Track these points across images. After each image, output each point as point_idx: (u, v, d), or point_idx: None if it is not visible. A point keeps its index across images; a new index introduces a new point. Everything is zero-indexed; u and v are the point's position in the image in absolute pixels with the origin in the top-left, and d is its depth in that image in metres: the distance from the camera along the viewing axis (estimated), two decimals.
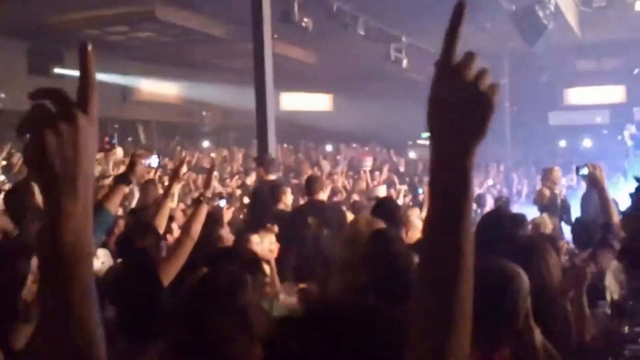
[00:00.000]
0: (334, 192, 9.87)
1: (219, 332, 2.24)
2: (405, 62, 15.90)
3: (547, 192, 8.92)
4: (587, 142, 23.03)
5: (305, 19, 12.81)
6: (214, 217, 5.00)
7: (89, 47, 1.14)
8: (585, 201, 8.56)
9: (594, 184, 5.10)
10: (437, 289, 1.21)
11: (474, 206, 7.10)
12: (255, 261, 3.31)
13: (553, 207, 8.57)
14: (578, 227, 5.72)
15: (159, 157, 8.48)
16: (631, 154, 15.43)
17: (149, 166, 7.03)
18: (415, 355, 1.19)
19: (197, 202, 4.16)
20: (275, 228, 5.71)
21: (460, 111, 1.14)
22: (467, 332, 1.22)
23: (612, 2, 15.19)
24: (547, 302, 3.17)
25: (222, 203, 6.89)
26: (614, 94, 21.29)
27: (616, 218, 4.92)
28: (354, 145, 20.76)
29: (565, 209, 8.74)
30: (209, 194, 4.27)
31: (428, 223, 1.21)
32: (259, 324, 2.32)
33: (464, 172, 1.15)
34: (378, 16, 14.51)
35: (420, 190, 11.59)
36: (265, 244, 5.17)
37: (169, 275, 3.59)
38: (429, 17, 14.21)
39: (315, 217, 6.47)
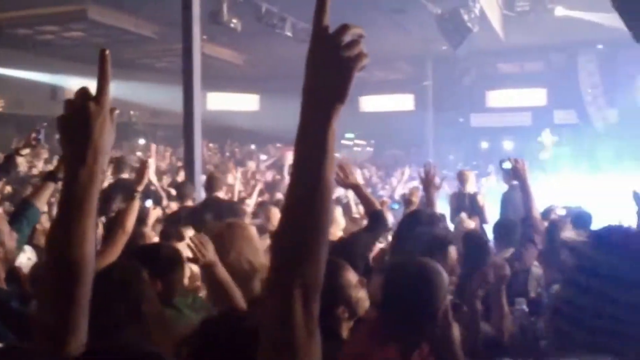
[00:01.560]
0: (261, 192, 9.83)
1: (111, 320, 2.49)
2: None
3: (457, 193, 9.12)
4: (508, 144, 23.69)
5: (234, 20, 12.78)
6: (138, 216, 4.97)
7: (107, 52, 1.59)
8: (506, 201, 8.78)
9: (517, 177, 5.18)
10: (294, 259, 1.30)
11: (402, 205, 7.23)
12: (171, 259, 3.33)
13: (463, 207, 8.69)
14: (499, 226, 5.83)
15: None
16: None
17: None
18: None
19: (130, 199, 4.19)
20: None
21: (324, 75, 1.26)
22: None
23: (534, 7, 15.65)
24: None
25: (148, 203, 6.79)
26: (535, 96, 21.88)
27: (537, 213, 5.05)
28: (278, 145, 20.77)
29: (477, 209, 8.90)
30: (140, 189, 4.27)
31: (289, 183, 1.32)
32: (153, 315, 2.66)
33: (323, 134, 1.27)
34: (306, 18, 14.56)
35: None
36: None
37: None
38: (355, 16, 14.38)
39: (213, 214, 6.47)
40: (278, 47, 16.48)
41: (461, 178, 9.41)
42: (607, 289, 1.61)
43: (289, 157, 13.19)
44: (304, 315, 1.28)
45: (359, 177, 7.10)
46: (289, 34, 14.34)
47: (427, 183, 5.55)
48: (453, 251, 3.65)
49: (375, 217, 4.42)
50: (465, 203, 8.82)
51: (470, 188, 9.19)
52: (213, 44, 16.71)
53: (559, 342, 1.69)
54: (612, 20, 8.49)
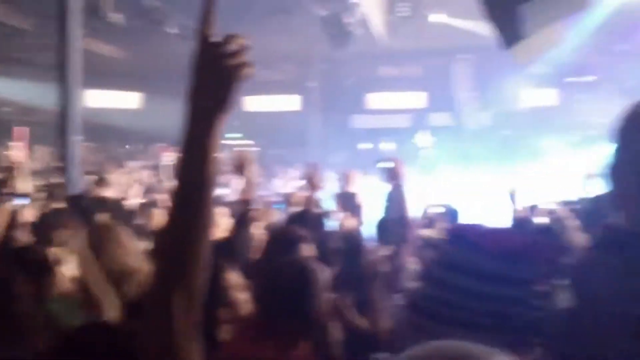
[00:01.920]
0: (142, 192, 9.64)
1: None
2: None
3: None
4: (388, 145, 24.31)
5: (116, 15, 12.42)
6: (11, 218, 4.79)
7: None
8: (386, 200, 9.04)
9: (394, 177, 5.27)
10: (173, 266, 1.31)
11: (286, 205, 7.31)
12: (42, 262, 3.27)
13: (348, 206, 8.89)
14: (379, 225, 6.00)
15: None
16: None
17: None
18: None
19: None
20: None
21: (208, 84, 1.28)
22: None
23: (413, 13, 16.11)
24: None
25: (20, 204, 6.51)
26: (414, 99, 22.51)
27: (413, 211, 5.20)
28: (161, 145, 20.37)
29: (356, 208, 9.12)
30: (10, 190, 4.12)
31: (174, 187, 1.33)
32: (26, 315, 2.62)
33: (207, 141, 1.28)
34: (192, 14, 14.34)
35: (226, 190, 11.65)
36: None
37: None
38: (242, 17, 14.32)
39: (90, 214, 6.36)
40: (163, 44, 16.14)
41: (345, 178, 9.62)
42: (462, 283, 1.73)
43: (167, 158, 12.98)
44: (185, 321, 1.28)
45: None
46: (174, 30, 14.09)
47: (312, 183, 5.64)
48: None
49: (241, 207, 4.50)
50: (349, 202, 9.00)
51: (354, 188, 9.39)
52: (94, 39, 16.13)
53: (417, 336, 1.78)
54: (485, 28, 8.89)
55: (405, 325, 1.87)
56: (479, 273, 1.71)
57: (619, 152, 1.93)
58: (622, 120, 1.93)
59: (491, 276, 1.71)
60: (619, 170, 1.93)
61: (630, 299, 1.72)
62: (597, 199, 7.91)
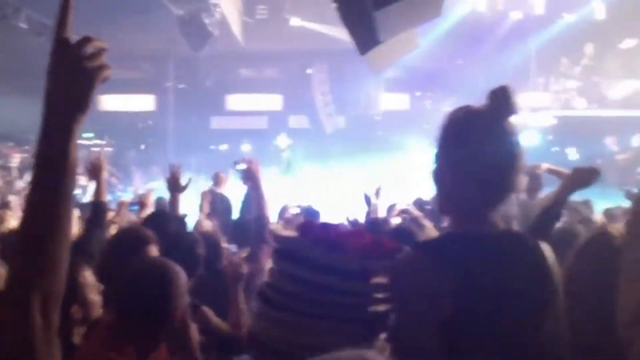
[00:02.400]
0: None
1: None
2: None
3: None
4: (246, 146, 24.36)
5: None
6: None
7: None
8: (244, 201, 9.10)
9: (250, 178, 5.23)
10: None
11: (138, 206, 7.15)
12: None
13: (217, 207, 8.93)
14: (235, 226, 6.01)
15: None
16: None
17: None
18: None
19: None
20: None
21: (66, 85, 1.28)
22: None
23: (272, 16, 16.26)
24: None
25: None
26: (272, 101, 22.67)
27: (268, 212, 5.23)
28: (10, 144, 19.29)
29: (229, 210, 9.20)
30: None
31: (29, 189, 1.31)
32: None
33: (64, 142, 1.28)
34: (43, 9, 13.69)
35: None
36: None
37: None
38: (98, 15, 13.82)
39: None
40: (11, 39, 15.26)
41: (216, 179, 9.78)
42: (308, 276, 1.79)
43: (16, 159, 12.36)
44: (43, 325, 1.26)
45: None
46: (24, 25, 13.38)
47: (172, 185, 5.56)
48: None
49: (95, 209, 4.42)
50: (217, 203, 9.08)
51: (223, 189, 9.52)
52: None
53: (269, 328, 1.82)
54: (341, 33, 9.13)
55: (256, 316, 1.91)
56: (324, 266, 1.78)
57: (439, 158, 2.06)
58: (441, 128, 2.05)
59: (335, 269, 1.78)
60: (440, 175, 2.05)
61: (432, 298, 1.82)
62: None
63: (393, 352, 1.84)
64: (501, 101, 1.97)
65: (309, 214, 7.59)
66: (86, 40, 1.28)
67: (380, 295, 1.84)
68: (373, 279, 1.83)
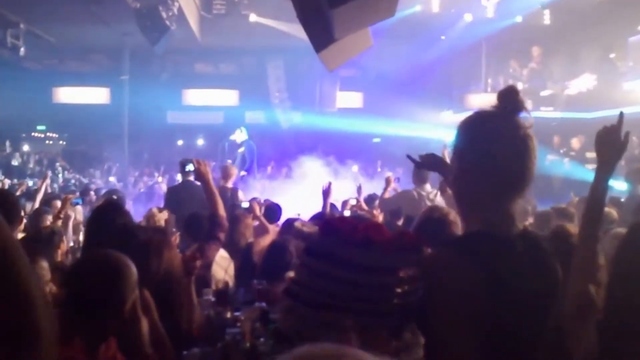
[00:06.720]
0: None
1: None
2: (22, 50, 14.88)
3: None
4: (202, 141, 24.30)
5: None
6: None
7: None
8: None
9: (199, 178, 5.28)
10: None
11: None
12: None
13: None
14: (189, 221, 6.03)
15: None
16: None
17: None
18: None
19: None
20: None
21: None
22: None
23: (229, 11, 16.19)
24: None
25: None
26: (228, 97, 22.59)
27: (222, 211, 5.23)
28: None
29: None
30: None
31: None
32: None
33: None
34: None
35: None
36: None
37: None
38: (47, 5, 13.58)
39: None
40: None
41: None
42: (332, 271, 1.85)
43: None
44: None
45: None
46: None
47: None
48: None
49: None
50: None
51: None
52: None
53: (294, 322, 1.87)
54: (298, 30, 9.17)
55: (284, 312, 1.96)
56: (354, 263, 1.85)
57: (456, 162, 2.13)
58: (456, 134, 2.13)
59: (359, 265, 1.85)
60: (457, 179, 2.13)
61: (465, 294, 1.87)
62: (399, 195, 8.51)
63: (425, 344, 1.92)
64: (508, 100, 2.06)
65: (268, 209, 7.66)
66: None
67: (408, 288, 1.91)
68: (400, 273, 1.90)
